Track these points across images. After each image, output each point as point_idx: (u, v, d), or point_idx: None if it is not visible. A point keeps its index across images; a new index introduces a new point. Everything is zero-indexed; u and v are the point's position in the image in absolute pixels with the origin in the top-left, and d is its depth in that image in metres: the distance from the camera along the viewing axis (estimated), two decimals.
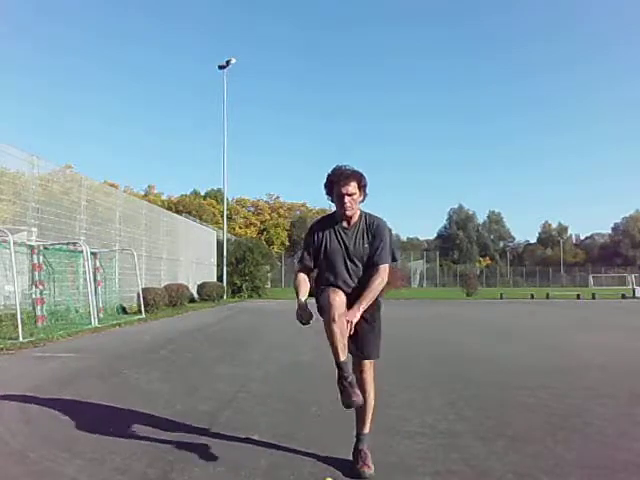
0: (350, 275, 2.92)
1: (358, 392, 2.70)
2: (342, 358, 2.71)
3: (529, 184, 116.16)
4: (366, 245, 2.94)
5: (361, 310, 2.79)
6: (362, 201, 3.00)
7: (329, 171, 2.95)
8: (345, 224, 2.98)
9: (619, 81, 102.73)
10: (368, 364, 2.96)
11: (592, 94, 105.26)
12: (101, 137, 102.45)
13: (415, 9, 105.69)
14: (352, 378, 2.74)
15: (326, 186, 2.97)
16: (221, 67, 27.70)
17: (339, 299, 2.72)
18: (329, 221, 3.04)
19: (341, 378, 2.70)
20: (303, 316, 2.79)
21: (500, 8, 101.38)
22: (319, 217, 3.23)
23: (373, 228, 2.96)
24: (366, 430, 2.97)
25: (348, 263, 2.93)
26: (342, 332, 2.70)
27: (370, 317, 2.95)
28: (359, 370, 2.96)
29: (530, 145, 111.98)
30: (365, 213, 3.03)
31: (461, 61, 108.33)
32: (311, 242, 3.00)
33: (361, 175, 2.95)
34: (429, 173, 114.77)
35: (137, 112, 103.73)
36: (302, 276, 2.99)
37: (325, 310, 2.72)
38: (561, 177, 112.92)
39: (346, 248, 2.93)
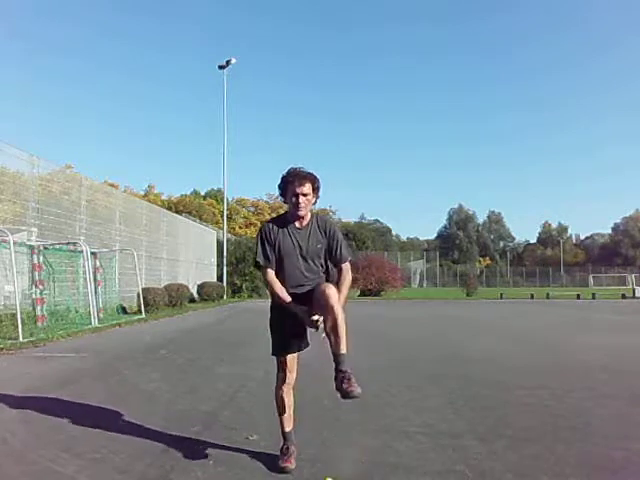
0: (304, 274, 2.94)
1: (294, 461, 2.88)
2: (287, 429, 3.01)
3: (529, 184, 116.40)
4: (319, 245, 2.97)
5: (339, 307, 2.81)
6: (314, 203, 3.04)
7: (284, 172, 2.98)
8: (297, 224, 3.00)
9: (619, 81, 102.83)
10: (330, 287, 2.78)
11: (592, 94, 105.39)
12: (101, 137, 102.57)
13: (415, 9, 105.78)
14: (293, 449, 2.96)
15: (280, 187, 3.01)
16: (221, 67, 27.71)
17: (291, 374, 2.96)
18: (281, 221, 3.05)
19: (283, 448, 2.96)
20: (306, 317, 2.81)
21: (501, 8, 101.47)
22: (270, 218, 3.25)
23: (327, 228, 3.02)
24: (342, 350, 2.72)
25: (301, 262, 2.94)
26: (290, 404, 2.99)
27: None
28: (322, 293, 2.74)
29: (530, 145, 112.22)
30: (316, 215, 3.09)
31: (461, 61, 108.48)
32: (268, 240, 2.98)
33: (315, 177, 2.99)
34: (429, 173, 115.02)
35: (137, 112, 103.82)
36: (273, 275, 2.96)
37: (277, 383, 2.99)
38: (561, 177, 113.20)
39: (300, 247, 2.95)
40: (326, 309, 2.72)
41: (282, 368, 2.98)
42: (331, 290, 2.74)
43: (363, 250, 45.47)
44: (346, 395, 2.63)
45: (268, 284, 2.98)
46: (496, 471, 2.83)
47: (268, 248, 2.97)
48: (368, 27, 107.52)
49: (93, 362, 6.60)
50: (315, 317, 2.78)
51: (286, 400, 2.98)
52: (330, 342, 2.77)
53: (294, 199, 2.93)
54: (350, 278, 3.02)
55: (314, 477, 2.76)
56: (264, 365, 6.14)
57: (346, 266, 3.02)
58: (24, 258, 10.41)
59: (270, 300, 3.06)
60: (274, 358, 3.01)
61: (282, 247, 2.94)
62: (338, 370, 2.72)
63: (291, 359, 2.97)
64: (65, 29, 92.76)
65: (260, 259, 2.98)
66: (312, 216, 3.06)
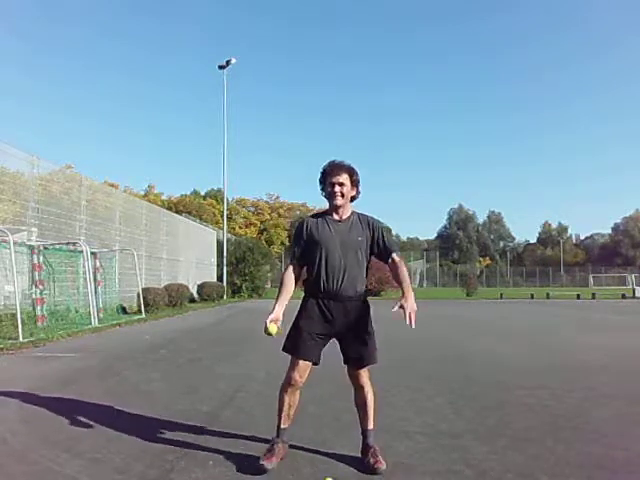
0: (342, 266, 2.89)
1: (275, 461, 2.81)
2: (283, 425, 2.95)
3: (529, 184, 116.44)
4: (360, 238, 2.95)
5: (412, 296, 2.88)
6: (355, 198, 3.02)
7: (323, 166, 3.00)
8: (337, 217, 2.99)
9: (619, 81, 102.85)
10: (364, 370, 2.97)
11: (592, 94, 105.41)
12: (101, 137, 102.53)
13: (416, 10, 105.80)
14: (282, 446, 2.91)
15: (321, 181, 3.01)
16: (221, 67, 27.70)
17: (301, 379, 2.89)
18: (321, 216, 3.06)
19: (274, 440, 2.91)
20: (269, 329, 2.82)
21: (501, 8, 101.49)
22: (311, 214, 3.26)
23: (369, 222, 3.01)
24: (370, 426, 2.99)
25: (341, 254, 2.90)
26: (292, 404, 2.93)
27: (365, 326, 2.96)
28: (355, 375, 2.96)
29: (530, 145, 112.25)
30: (357, 212, 3.07)
31: (461, 61, 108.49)
32: (302, 235, 2.99)
33: (353, 169, 2.97)
34: (429, 173, 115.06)
35: (137, 112, 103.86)
36: (289, 275, 2.97)
37: (285, 383, 2.92)
38: (561, 177, 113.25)
39: (339, 239, 2.92)
40: (356, 387, 2.97)
41: (293, 368, 2.90)
42: (364, 377, 2.94)
43: None
44: (372, 471, 2.77)
45: (281, 278, 2.99)
46: (496, 471, 2.83)
47: (298, 245, 2.99)
48: (368, 27, 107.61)
49: (93, 362, 6.59)
50: (271, 329, 2.80)
51: (288, 400, 2.94)
52: (359, 417, 3.01)
53: (330, 189, 2.93)
54: (405, 268, 2.99)
55: (314, 477, 2.75)
56: (264, 365, 6.15)
57: (397, 255, 3.00)
58: (24, 258, 10.41)
59: (303, 294, 3.01)
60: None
61: (320, 239, 2.92)
62: (365, 444, 2.94)
63: (305, 364, 2.90)
64: (65, 29, 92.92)
65: (293, 257, 3.02)
66: (353, 212, 3.04)
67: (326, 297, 2.90)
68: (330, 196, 2.95)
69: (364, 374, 2.97)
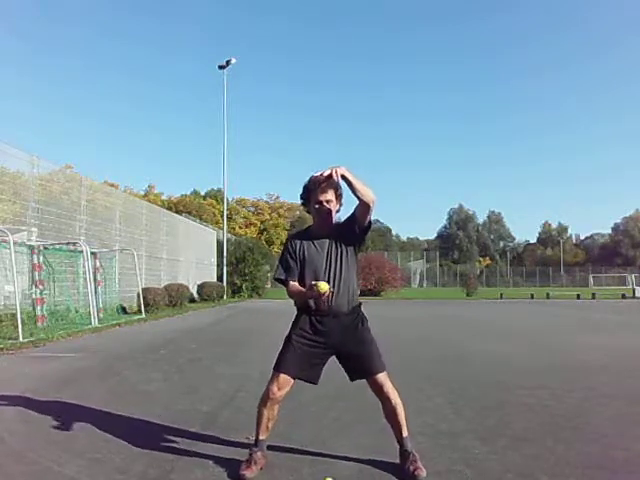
0: (332, 282, 2.81)
1: (255, 470, 2.76)
2: (262, 437, 2.90)
3: (529, 184, 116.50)
4: (344, 243, 2.88)
5: (348, 174, 2.70)
6: (338, 211, 2.94)
7: (305, 181, 2.90)
8: (321, 232, 2.91)
9: (619, 81, 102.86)
10: (383, 378, 2.89)
11: (592, 94, 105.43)
12: (101, 137, 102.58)
13: (415, 10, 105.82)
14: (261, 456, 2.85)
15: (302, 197, 2.92)
16: (221, 67, 27.71)
17: (279, 392, 2.83)
18: (305, 233, 3.01)
19: (252, 451, 2.86)
20: (319, 286, 2.69)
21: (501, 8, 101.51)
22: (295, 232, 3.16)
23: (344, 222, 2.94)
24: (405, 433, 2.90)
25: (329, 269, 2.84)
26: (271, 418, 2.88)
27: (361, 335, 2.91)
28: (377, 388, 2.89)
29: (530, 145, 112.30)
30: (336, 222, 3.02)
31: (461, 61, 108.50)
32: (290, 254, 2.91)
33: (338, 184, 2.85)
34: (429, 173, 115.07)
35: (137, 112, 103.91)
36: (295, 287, 2.89)
37: (263, 395, 2.88)
38: (561, 177, 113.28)
39: (326, 254, 2.86)
40: (382, 400, 2.90)
41: (273, 381, 2.84)
42: (387, 386, 2.89)
43: (363, 250, 45.52)
44: (412, 479, 2.72)
45: (291, 295, 2.92)
46: (496, 471, 2.83)
47: (290, 261, 2.90)
48: (368, 27, 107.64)
49: (93, 362, 6.59)
50: (322, 286, 2.68)
51: (267, 414, 2.87)
52: (392, 427, 2.94)
53: (317, 207, 2.86)
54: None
55: (314, 477, 2.75)
56: (264, 365, 6.13)
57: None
58: (24, 258, 10.41)
59: (296, 312, 2.96)
60: (273, 358, 2.93)
61: (307, 258, 2.87)
62: (403, 450, 2.88)
63: (285, 378, 2.84)
64: (65, 29, 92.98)
65: (281, 275, 2.92)
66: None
67: (319, 314, 2.85)
68: (318, 215, 2.88)
69: (386, 383, 2.88)
